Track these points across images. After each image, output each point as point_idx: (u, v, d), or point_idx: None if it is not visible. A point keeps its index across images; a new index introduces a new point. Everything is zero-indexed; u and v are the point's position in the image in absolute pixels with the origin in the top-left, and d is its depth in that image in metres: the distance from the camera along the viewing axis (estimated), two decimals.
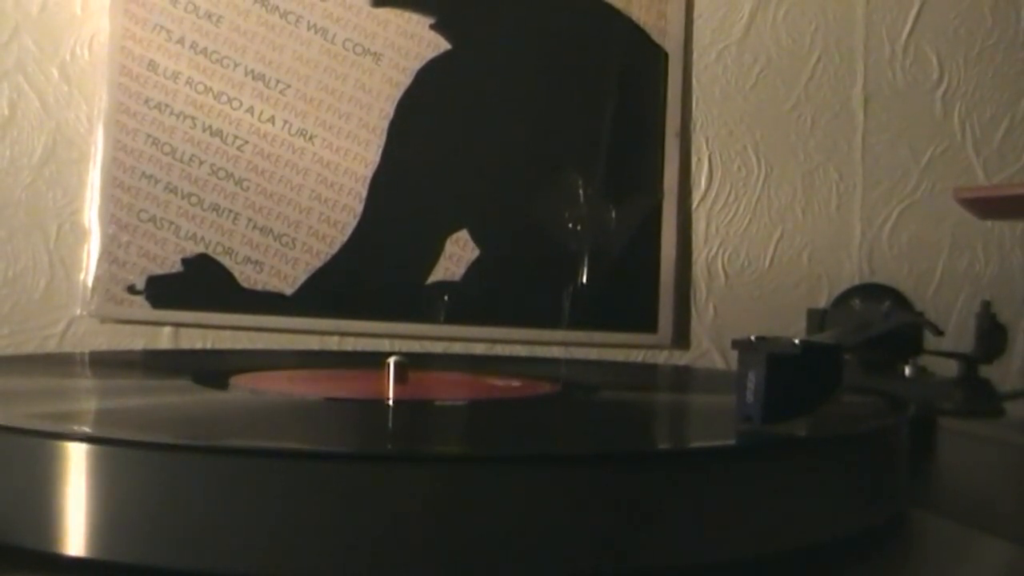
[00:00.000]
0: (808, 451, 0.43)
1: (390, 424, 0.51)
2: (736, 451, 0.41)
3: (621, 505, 0.37)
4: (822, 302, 1.02)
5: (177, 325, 0.99)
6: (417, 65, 1.02)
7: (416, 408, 0.57)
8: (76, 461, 0.37)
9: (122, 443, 0.37)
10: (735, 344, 0.44)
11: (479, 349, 1.02)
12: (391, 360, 0.61)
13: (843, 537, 0.43)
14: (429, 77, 1.02)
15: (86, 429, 0.43)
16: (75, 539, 0.36)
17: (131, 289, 0.98)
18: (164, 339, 0.99)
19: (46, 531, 0.37)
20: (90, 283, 0.98)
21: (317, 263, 1.00)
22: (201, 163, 0.99)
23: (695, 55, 1.07)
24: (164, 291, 0.98)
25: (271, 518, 0.35)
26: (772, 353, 0.43)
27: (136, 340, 0.99)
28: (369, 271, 1.01)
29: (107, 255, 0.98)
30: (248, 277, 0.99)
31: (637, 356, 1.04)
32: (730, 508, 0.39)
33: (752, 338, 0.44)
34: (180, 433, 0.45)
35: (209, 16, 0.99)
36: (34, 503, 0.37)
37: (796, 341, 0.44)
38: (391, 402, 0.57)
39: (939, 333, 0.63)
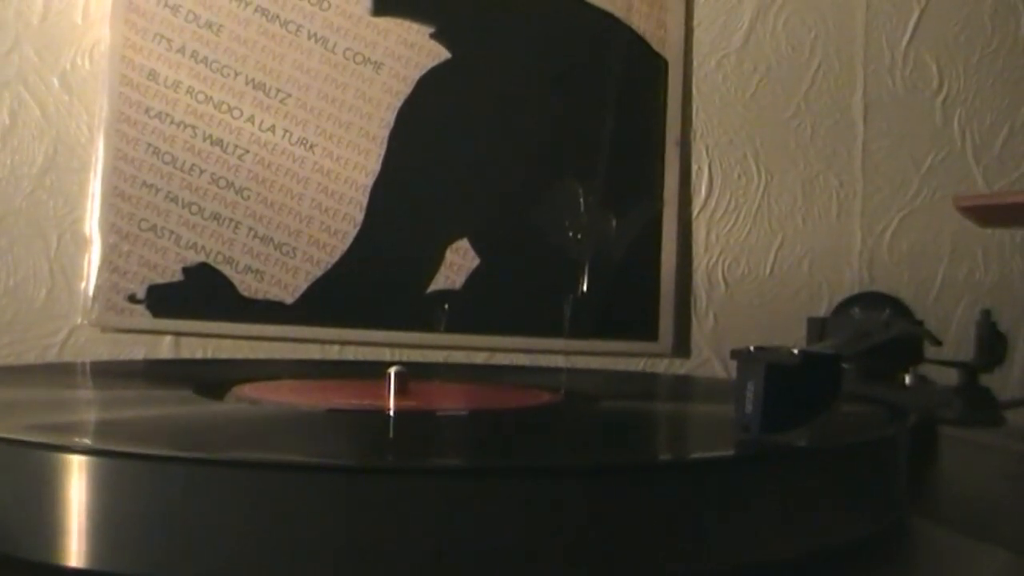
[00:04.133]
0: (807, 461, 0.43)
1: (391, 435, 0.51)
2: (734, 461, 0.42)
3: (621, 516, 0.37)
4: (822, 310, 1.02)
5: (178, 334, 0.99)
6: (417, 74, 1.02)
7: (417, 419, 0.57)
8: (76, 473, 0.37)
9: (121, 455, 0.37)
10: (734, 354, 0.44)
11: (480, 358, 1.02)
12: (391, 371, 0.61)
13: (843, 546, 0.43)
14: (429, 86, 1.02)
15: (86, 441, 0.43)
16: (75, 550, 0.37)
17: (132, 298, 0.98)
18: (165, 348, 0.99)
19: (46, 542, 0.37)
20: (91, 292, 0.98)
21: (318, 272, 1.00)
22: (201, 172, 0.99)
23: (695, 63, 1.07)
24: (165, 300, 0.98)
25: (271, 530, 0.35)
26: (771, 363, 0.43)
27: (137, 349, 0.99)
28: (370, 280, 1.01)
29: (108, 264, 0.98)
30: (249, 286, 0.99)
31: (638, 365, 1.04)
32: (728, 518, 0.39)
33: (751, 348, 0.44)
34: (180, 445, 0.45)
35: (210, 26, 1.00)
36: (34, 514, 0.37)
37: (795, 351, 0.44)
38: (392, 413, 0.57)
39: (937, 343, 0.63)
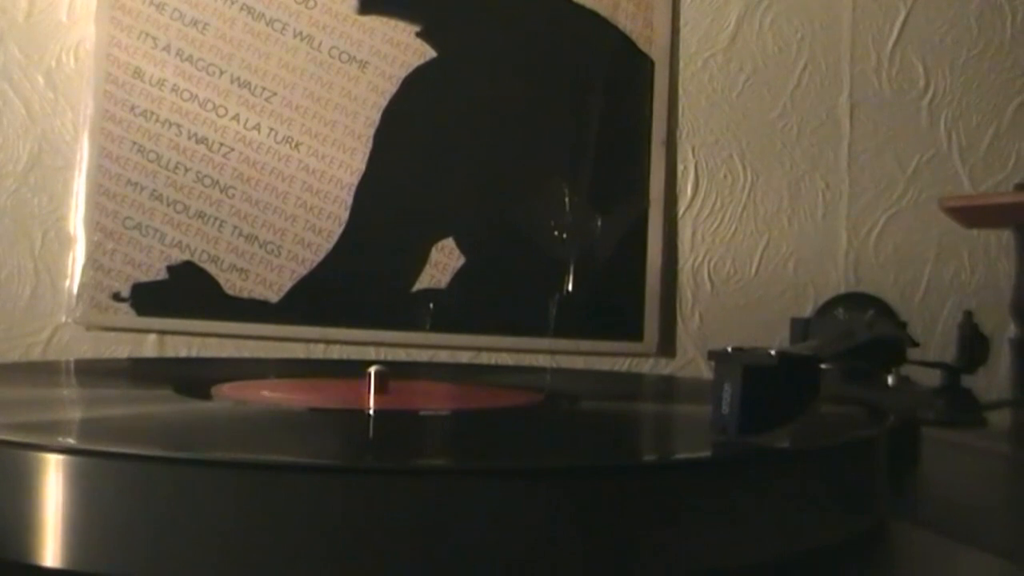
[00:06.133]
0: (785, 462, 0.43)
1: (369, 436, 0.51)
2: (710, 463, 0.41)
3: (598, 517, 0.37)
4: (808, 310, 1.02)
5: (162, 333, 0.99)
6: (403, 73, 1.02)
7: (395, 418, 0.57)
8: (55, 472, 0.37)
9: (102, 455, 0.37)
10: (711, 355, 0.44)
11: (465, 357, 1.02)
12: (371, 370, 0.61)
13: (823, 549, 0.43)
14: (415, 85, 1.02)
15: (67, 440, 0.43)
16: (55, 550, 0.36)
17: (116, 296, 0.98)
18: (149, 347, 0.99)
19: (26, 542, 0.37)
20: (75, 290, 0.98)
21: (303, 271, 1.00)
22: (187, 170, 0.99)
23: (681, 63, 1.07)
24: (149, 298, 0.98)
25: (250, 530, 0.35)
26: (748, 364, 0.42)
27: (121, 347, 0.99)
28: (355, 279, 1.01)
29: (92, 262, 0.98)
30: (233, 285, 0.99)
31: (623, 364, 1.04)
32: (705, 520, 0.39)
33: (728, 348, 0.44)
34: (162, 444, 0.45)
35: (195, 23, 0.99)
36: (13, 514, 0.37)
37: (772, 352, 0.43)
38: (371, 412, 0.57)
39: (915, 344, 0.63)
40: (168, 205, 0.98)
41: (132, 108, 0.98)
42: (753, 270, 1.07)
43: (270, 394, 0.65)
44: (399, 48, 1.02)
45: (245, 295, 0.99)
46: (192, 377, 0.70)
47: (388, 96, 1.01)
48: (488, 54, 1.04)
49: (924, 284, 1.09)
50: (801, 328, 0.79)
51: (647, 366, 1.05)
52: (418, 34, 1.02)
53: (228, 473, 0.36)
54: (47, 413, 0.55)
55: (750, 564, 0.40)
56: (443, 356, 1.02)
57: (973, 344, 0.77)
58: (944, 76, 1.11)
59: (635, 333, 1.04)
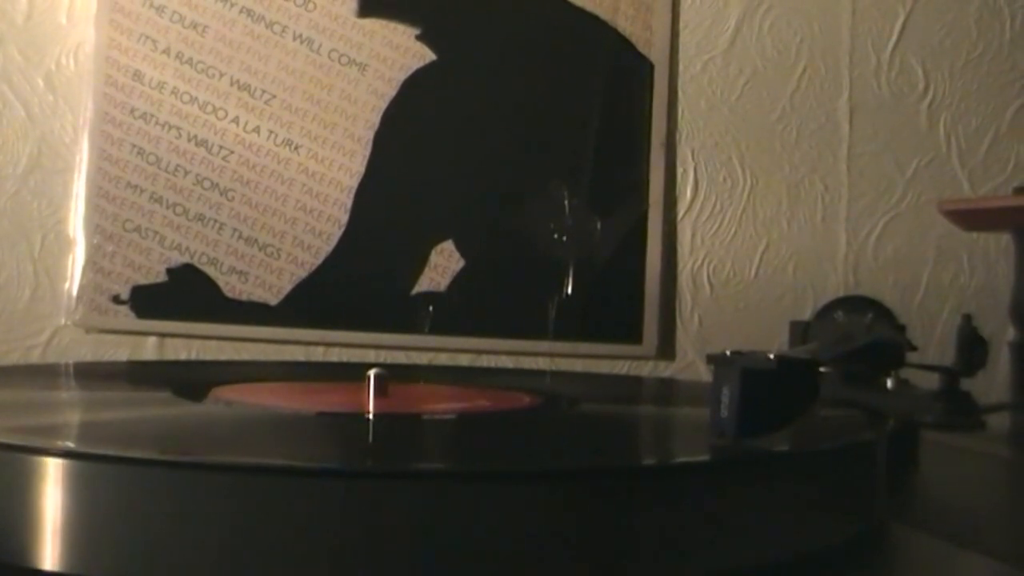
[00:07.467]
0: (782, 466, 0.43)
1: (370, 438, 0.51)
2: (709, 466, 0.41)
3: (597, 520, 0.37)
4: (807, 313, 1.02)
5: (162, 335, 0.99)
6: (402, 76, 1.02)
7: (395, 422, 0.57)
8: (54, 475, 0.37)
9: (100, 458, 0.37)
10: (710, 359, 0.44)
11: (464, 360, 1.02)
12: (371, 373, 0.61)
13: (821, 553, 0.43)
14: (414, 88, 1.02)
15: (66, 444, 0.43)
16: (53, 554, 0.36)
17: (116, 299, 0.98)
18: (149, 349, 0.99)
19: (23, 545, 0.37)
20: (75, 293, 0.98)
21: (302, 273, 1.00)
22: (186, 173, 0.99)
23: (681, 66, 1.07)
24: (149, 301, 0.98)
25: (250, 534, 0.35)
26: (746, 368, 0.43)
27: (121, 350, 0.99)
28: (354, 281, 1.00)
29: (92, 265, 0.98)
30: (233, 287, 0.99)
31: (622, 367, 1.04)
32: (704, 524, 0.39)
33: (727, 352, 0.44)
34: (161, 448, 0.45)
35: (195, 26, 0.99)
36: (11, 517, 0.37)
37: (771, 355, 0.44)
38: (371, 416, 0.57)
39: (912, 348, 0.63)
40: (168, 208, 0.98)
41: (132, 111, 0.98)
42: (752, 273, 1.07)
43: (270, 397, 0.65)
44: (399, 51, 1.02)
45: (244, 298, 0.99)
46: (191, 380, 0.70)
47: (388, 99, 1.01)
48: (488, 57, 1.04)
49: (923, 287, 1.10)
50: (800, 331, 0.79)
51: (646, 369, 1.05)
52: (418, 37, 1.02)
53: (227, 477, 0.36)
54: (46, 416, 0.55)
55: (748, 567, 0.40)
56: (443, 359, 1.02)
57: (972, 347, 0.77)
58: (943, 79, 1.11)
59: (634, 336, 1.04)
